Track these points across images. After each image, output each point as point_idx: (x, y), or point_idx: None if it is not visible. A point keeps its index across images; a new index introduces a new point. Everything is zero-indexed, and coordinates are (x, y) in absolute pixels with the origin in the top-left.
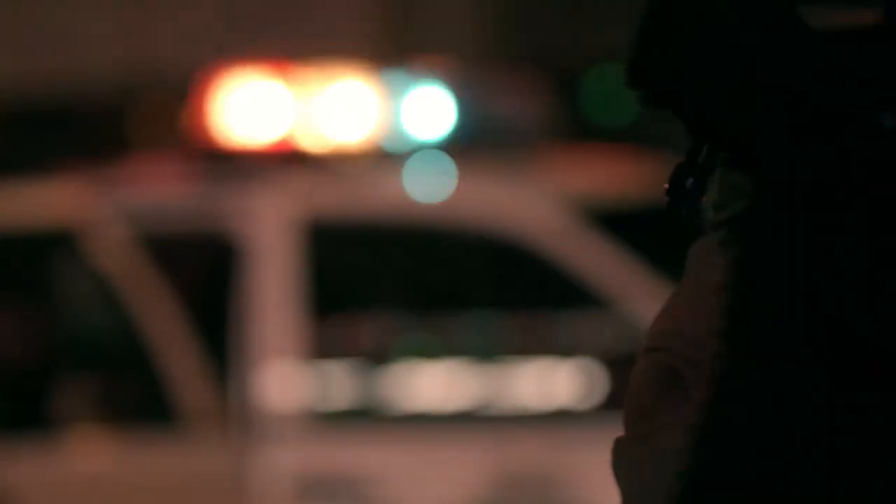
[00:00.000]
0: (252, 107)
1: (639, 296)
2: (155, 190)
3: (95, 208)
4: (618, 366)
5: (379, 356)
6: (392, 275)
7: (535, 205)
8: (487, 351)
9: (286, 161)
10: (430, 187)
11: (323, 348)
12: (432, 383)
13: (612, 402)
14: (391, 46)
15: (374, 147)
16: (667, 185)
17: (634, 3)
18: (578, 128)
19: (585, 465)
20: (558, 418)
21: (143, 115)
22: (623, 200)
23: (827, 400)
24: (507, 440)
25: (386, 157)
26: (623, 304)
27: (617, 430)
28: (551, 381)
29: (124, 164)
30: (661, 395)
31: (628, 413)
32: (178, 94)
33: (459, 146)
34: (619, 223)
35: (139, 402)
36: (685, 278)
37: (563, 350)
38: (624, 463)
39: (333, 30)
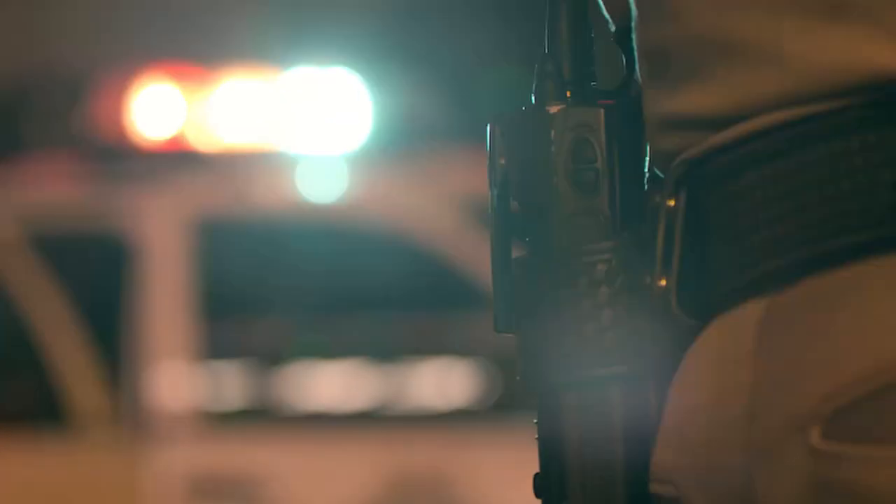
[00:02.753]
0: (145, 106)
1: None
2: (46, 189)
3: None
4: (511, 366)
5: (271, 356)
6: (285, 275)
7: (428, 204)
8: (381, 351)
9: (178, 161)
10: (323, 187)
11: (215, 348)
12: (326, 384)
13: (506, 403)
14: (286, 46)
15: (266, 147)
16: None
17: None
18: (471, 128)
19: (479, 465)
20: (452, 418)
21: (34, 113)
22: None
23: None
24: (401, 440)
25: (279, 157)
26: None
27: (511, 429)
28: (446, 382)
29: (16, 164)
30: None
31: None
32: (71, 93)
33: (353, 145)
34: None
35: (30, 403)
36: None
37: (457, 350)
38: None
39: (228, 29)
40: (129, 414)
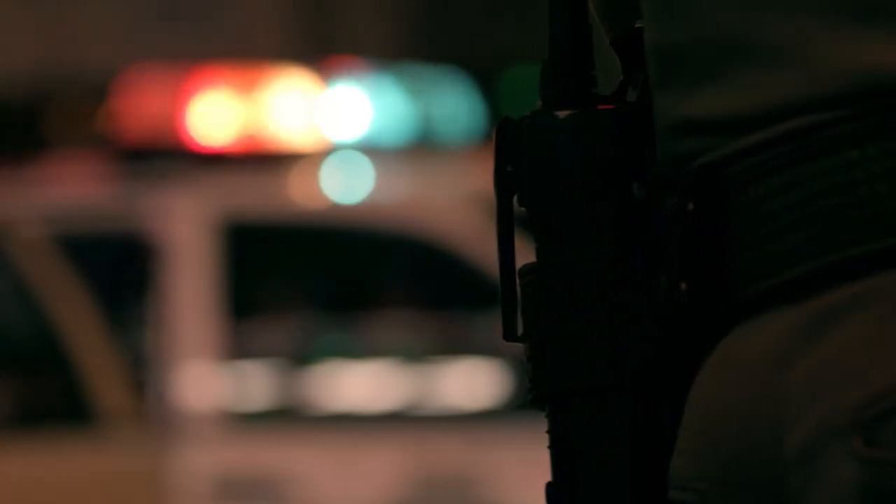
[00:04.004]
0: (171, 107)
1: None
2: (72, 190)
3: (12, 208)
4: None
5: (297, 356)
6: (310, 275)
7: (453, 205)
8: (406, 351)
9: (203, 161)
10: (348, 187)
11: (240, 348)
12: (351, 384)
13: (527, 403)
14: (309, 46)
15: (292, 147)
16: None
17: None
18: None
19: (505, 465)
20: (477, 418)
21: (59, 114)
22: None
23: None
24: (427, 440)
25: (304, 157)
26: None
27: (537, 429)
28: (470, 382)
29: (41, 164)
30: None
31: None
32: (96, 93)
33: (378, 146)
34: None
35: (56, 402)
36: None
37: (483, 351)
38: None
39: (252, 29)
40: (154, 414)
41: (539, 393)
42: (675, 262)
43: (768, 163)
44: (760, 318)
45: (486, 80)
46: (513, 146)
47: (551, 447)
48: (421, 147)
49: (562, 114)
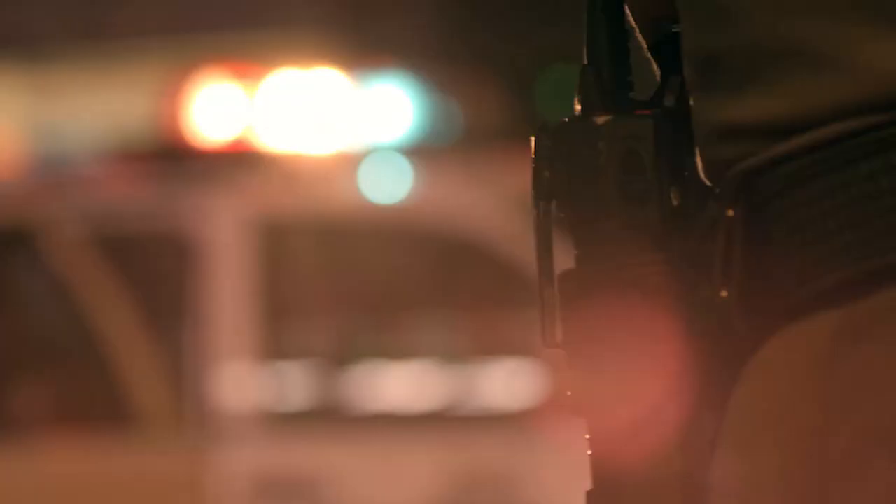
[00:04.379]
0: (208, 107)
1: None
2: (111, 190)
3: (51, 209)
4: None
5: (335, 357)
6: (348, 275)
7: (492, 205)
8: (444, 351)
9: (242, 161)
10: (387, 187)
11: (279, 349)
12: (389, 384)
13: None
14: (348, 46)
15: (329, 147)
16: None
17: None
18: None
19: (543, 466)
20: (516, 419)
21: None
22: None
23: None
24: (466, 441)
25: (342, 158)
26: None
27: (575, 430)
28: (509, 382)
29: (80, 165)
30: None
31: None
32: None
33: (416, 146)
34: None
35: (95, 403)
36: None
37: (519, 350)
38: None
39: (291, 30)
40: (193, 414)
41: (580, 401)
42: (716, 270)
43: (809, 168)
44: (800, 325)
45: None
46: (551, 152)
47: (591, 455)
48: (458, 147)
49: (599, 119)
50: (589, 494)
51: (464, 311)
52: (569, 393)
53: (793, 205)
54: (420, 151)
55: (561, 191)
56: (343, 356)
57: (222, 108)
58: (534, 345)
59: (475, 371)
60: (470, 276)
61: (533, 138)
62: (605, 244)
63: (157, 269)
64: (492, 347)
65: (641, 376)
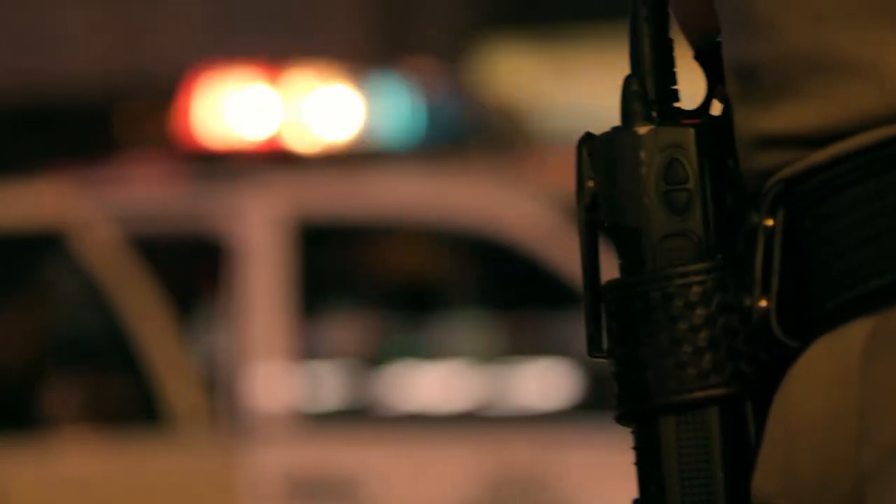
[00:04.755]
0: (240, 107)
1: None
2: (143, 191)
3: (83, 209)
4: (603, 367)
5: (368, 356)
6: (381, 275)
7: (523, 204)
8: (477, 351)
9: (274, 161)
10: (420, 188)
11: (312, 348)
12: (422, 384)
13: (599, 403)
14: (376, 47)
15: (362, 147)
16: None
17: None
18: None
19: (575, 466)
20: (548, 419)
21: (130, 115)
22: None
23: None
24: (500, 441)
25: (374, 157)
26: None
27: (610, 430)
28: (542, 382)
29: (112, 165)
30: None
31: None
32: (166, 94)
33: (451, 146)
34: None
35: (127, 402)
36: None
37: (553, 350)
38: None
39: (320, 30)
40: (226, 414)
41: (625, 410)
42: (755, 280)
43: (841, 178)
44: (836, 333)
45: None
46: (594, 162)
47: (637, 463)
48: (494, 147)
49: (640, 129)
50: (635, 503)
51: (498, 311)
52: (614, 403)
53: (828, 214)
54: (455, 151)
55: (604, 200)
56: (376, 356)
57: (257, 107)
58: (567, 345)
59: (509, 371)
60: (503, 276)
61: (576, 148)
62: (648, 254)
63: (190, 269)
64: (525, 348)
65: (688, 386)
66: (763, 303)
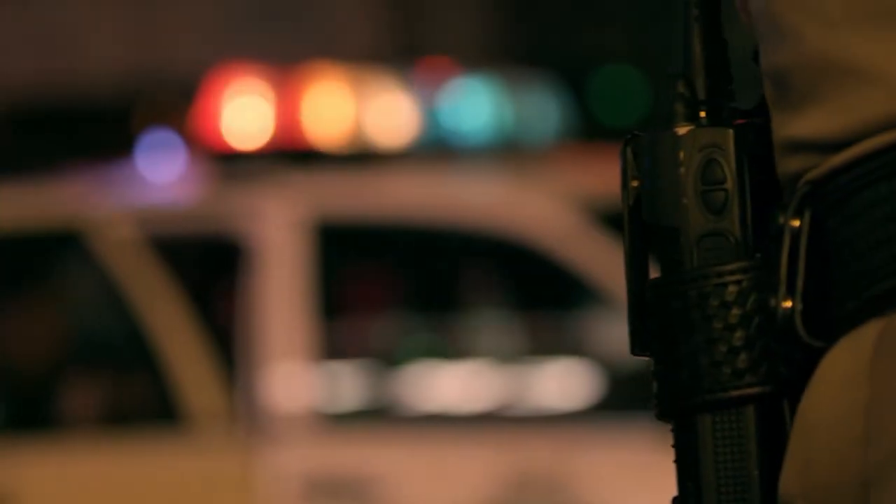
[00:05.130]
0: (258, 107)
1: None
2: (161, 190)
3: (102, 208)
4: (625, 367)
5: (387, 357)
6: (400, 275)
7: (544, 205)
8: (497, 352)
9: (293, 162)
10: (439, 187)
11: (331, 349)
12: (441, 385)
13: (618, 404)
14: (399, 46)
15: (382, 147)
16: None
17: (637, 3)
18: (585, 128)
19: (595, 466)
20: (568, 419)
21: (148, 115)
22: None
23: None
24: (519, 442)
25: (394, 157)
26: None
27: (629, 431)
28: (560, 383)
29: (130, 165)
30: None
31: None
32: (184, 94)
33: (468, 147)
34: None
35: (146, 402)
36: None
37: (571, 351)
38: None
39: (340, 29)
40: (245, 414)
41: (664, 408)
42: (781, 280)
43: (857, 181)
44: (854, 334)
45: (575, 80)
46: (638, 162)
47: (676, 461)
48: (512, 148)
49: (680, 130)
50: (674, 501)
51: (516, 311)
52: (654, 401)
53: (849, 215)
54: (476, 151)
55: (646, 200)
56: (396, 356)
57: (276, 107)
58: (585, 345)
59: (528, 372)
60: (522, 276)
61: (621, 147)
62: (686, 253)
63: (209, 269)
64: (545, 348)
65: (726, 384)
66: (788, 303)
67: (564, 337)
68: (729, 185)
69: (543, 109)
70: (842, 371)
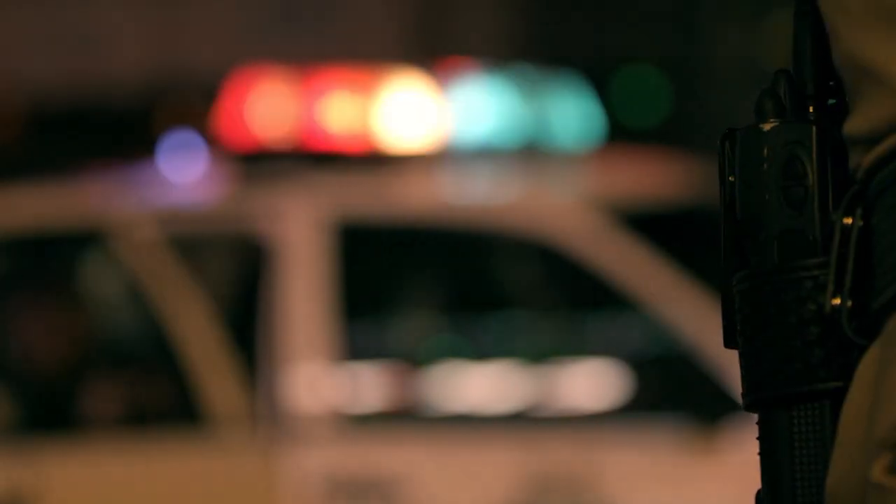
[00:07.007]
0: (280, 108)
1: (672, 298)
2: (184, 191)
3: (125, 209)
4: (650, 368)
5: (410, 358)
6: (422, 276)
7: (568, 206)
8: (518, 353)
9: (315, 162)
10: (463, 188)
11: (354, 350)
12: (465, 385)
13: (644, 405)
14: (423, 47)
15: (406, 148)
16: None
17: (659, 4)
18: (608, 129)
19: (621, 467)
20: (591, 420)
21: (170, 115)
22: (654, 202)
23: None
24: (542, 442)
25: (418, 158)
26: (656, 307)
27: (654, 432)
28: (587, 384)
29: (153, 165)
30: None
31: None
32: (207, 94)
33: (493, 147)
34: (650, 224)
35: (168, 403)
36: None
37: (595, 352)
38: None
39: (365, 30)
40: (267, 415)
41: (750, 399)
42: (830, 277)
43: (883, 181)
44: (886, 328)
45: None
46: (733, 157)
47: (761, 454)
48: (536, 148)
49: (766, 126)
50: (759, 494)
51: (541, 312)
52: (742, 392)
53: (881, 213)
54: (499, 152)
55: (738, 195)
56: (418, 357)
57: (299, 108)
58: (612, 346)
59: (554, 372)
60: (547, 277)
61: (719, 143)
62: (767, 248)
63: (231, 270)
64: (571, 349)
65: (805, 377)
66: (836, 301)
67: (588, 338)
68: (809, 180)
69: (566, 110)
70: (866, 370)
